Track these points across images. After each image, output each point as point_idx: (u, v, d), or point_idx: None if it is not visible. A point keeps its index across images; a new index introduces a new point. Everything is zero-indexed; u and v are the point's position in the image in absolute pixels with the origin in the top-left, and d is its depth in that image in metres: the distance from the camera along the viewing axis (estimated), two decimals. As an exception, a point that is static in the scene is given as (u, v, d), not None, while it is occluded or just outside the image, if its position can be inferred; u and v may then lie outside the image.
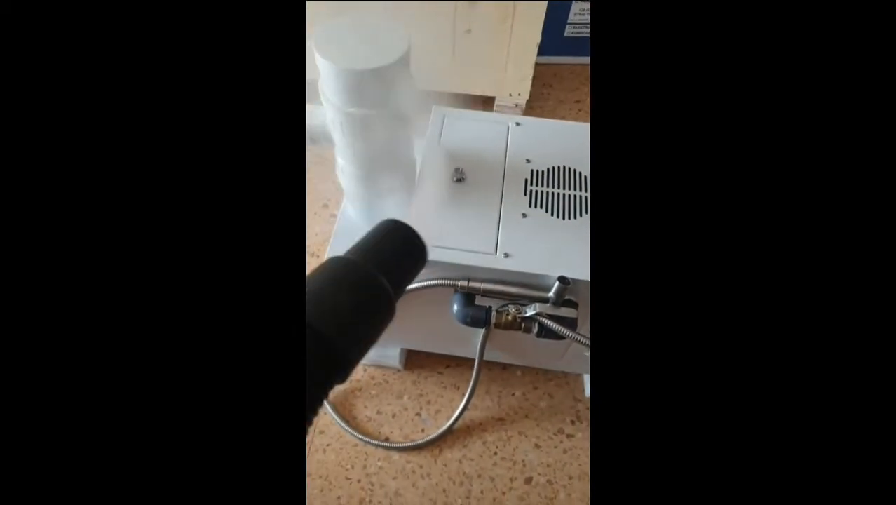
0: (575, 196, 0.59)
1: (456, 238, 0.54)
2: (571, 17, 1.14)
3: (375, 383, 0.78)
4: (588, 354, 0.68)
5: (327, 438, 0.73)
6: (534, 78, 1.01)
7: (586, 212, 0.58)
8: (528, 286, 0.54)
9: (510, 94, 1.04)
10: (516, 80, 1.02)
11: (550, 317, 0.53)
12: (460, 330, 0.60)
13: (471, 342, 0.68)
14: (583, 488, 0.70)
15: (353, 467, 0.71)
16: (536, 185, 0.60)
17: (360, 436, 0.73)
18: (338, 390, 0.77)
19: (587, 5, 1.10)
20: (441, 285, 0.55)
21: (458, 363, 0.80)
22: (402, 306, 0.32)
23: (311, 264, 0.30)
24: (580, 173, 0.61)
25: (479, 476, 0.71)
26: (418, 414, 0.76)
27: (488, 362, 0.77)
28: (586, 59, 1.20)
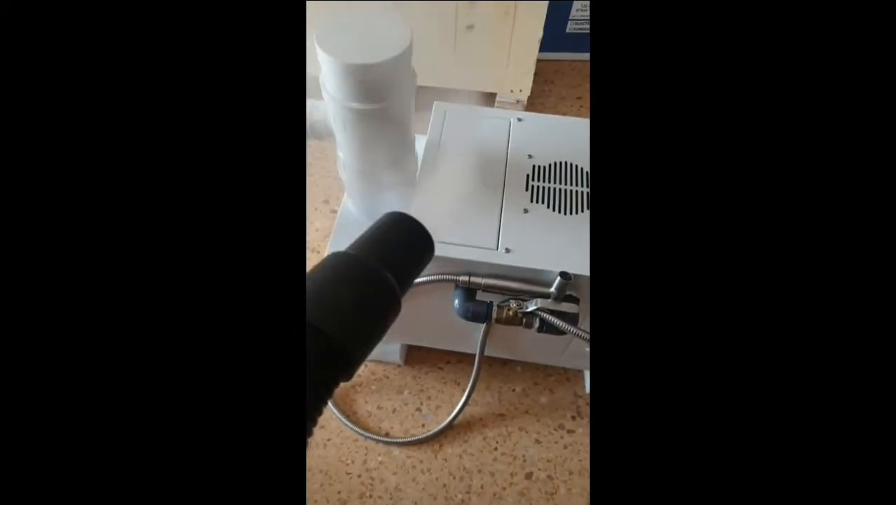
0: (576, 192, 0.59)
1: (457, 233, 0.54)
2: (573, 14, 1.13)
3: (376, 379, 0.78)
4: (589, 349, 0.68)
5: (328, 433, 0.73)
6: (535, 74, 1.01)
7: (587, 207, 0.58)
8: (529, 281, 0.54)
9: (511, 91, 1.04)
10: (518, 77, 1.01)
11: (551, 312, 0.53)
12: (461, 325, 0.60)
13: (472, 338, 0.68)
14: (583, 484, 0.71)
15: (353, 462, 0.71)
16: (538, 180, 0.60)
17: (361, 431, 0.73)
18: (339, 386, 0.77)
19: (589, 2, 1.10)
20: (442, 280, 0.55)
21: (458, 359, 0.80)
22: (402, 302, 0.32)
23: (312, 260, 0.30)
24: (582, 169, 0.61)
25: (480, 471, 0.71)
26: (419, 409, 0.76)
27: (489, 358, 0.77)
28: (588, 56, 1.19)
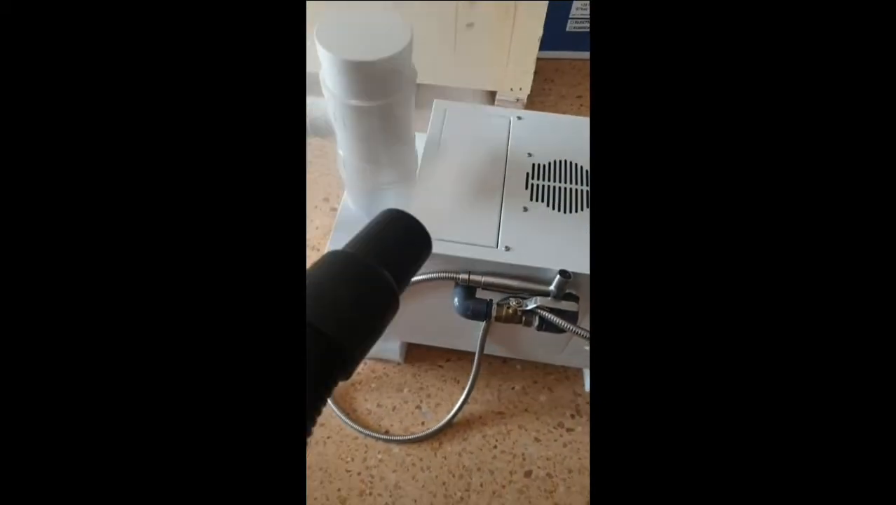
0: (576, 190, 0.59)
1: (457, 231, 0.54)
2: (573, 13, 1.13)
3: (376, 377, 0.78)
4: (588, 347, 0.68)
5: (327, 431, 0.73)
6: (535, 73, 1.01)
7: (587, 206, 0.58)
8: (528, 279, 0.54)
9: (511, 89, 1.04)
10: (518, 75, 1.01)
11: (551, 310, 0.53)
12: (461, 323, 0.60)
13: (471, 336, 0.68)
14: (582, 482, 0.71)
15: (353, 460, 0.71)
16: (538, 178, 0.60)
17: (361, 429, 0.73)
18: (338, 385, 0.77)
19: (589, 1, 1.10)
20: (442, 278, 0.55)
21: (458, 357, 0.80)
22: (402, 299, 0.32)
23: (312, 258, 0.30)
24: (581, 167, 0.61)
25: (479, 469, 0.71)
26: (418, 407, 0.76)
27: (488, 356, 0.77)
28: (588, 55, 1.19)
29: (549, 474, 0.71)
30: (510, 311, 0.55)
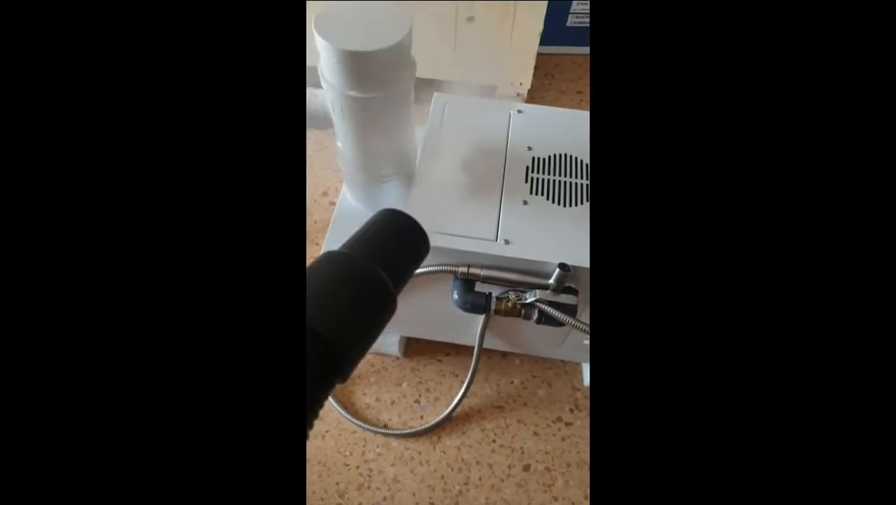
0: (576, 184, 0.59)
1: (456, 224, 0.54)
2: (574, 7, 1.13)
3: (375, 371, 0.78)
4: (587, 342, 0.68)
5: (326, 425, 0.73)
6: (536, 68, 1.01)
7: (587, 199, 0.58)
8: (528, 273, 0.54)
9: (512, 84, 1.04)
10: (518, 69, 1.01)
11: (550, 304, 0.53)
12: (460, 317, 0.60)
13: (470, 329, 0.68)
14: (580, 476, 0.71)
15: (351, 454, 0.71)
16: (537, 172, 0.60)
17: (359, 422, 0.73)
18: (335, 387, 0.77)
19: (590, -6, 1.09)
20: (441, 272, 0.55)
21: (457, 351, 0.80)
22: (401, 293, 0.32)
23: (310, 252, 0.30)
24: (581, 161, 0.61)
25: (478, 463, 0.71)
26: (417, 401, 0.76)
27: (487, 351, 0.77)
28: (588, 50, 1.19)
29: (547, 468, 0.71)
30: (509, 304, 0.55)
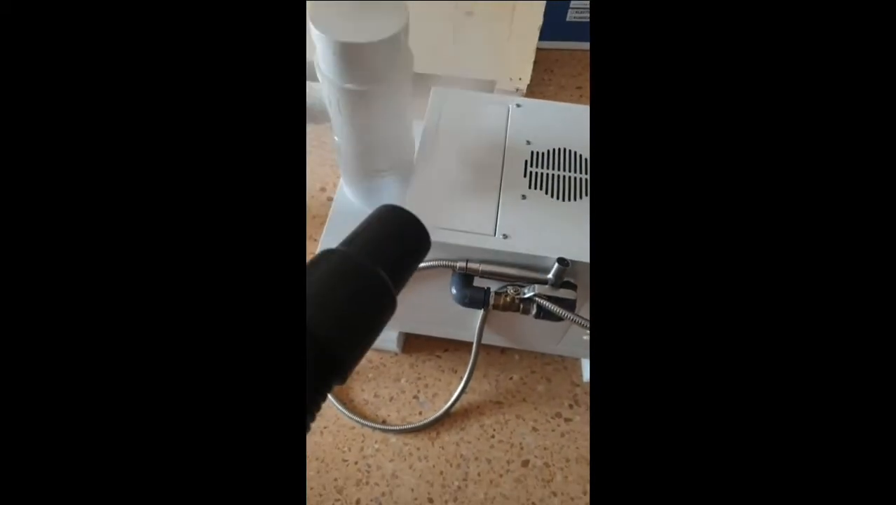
0: (575, 178, 0.59)
1: (455, 219, 0.54)
2: (574, 2, 1.12)
3: (373, 367, 0.78)
4: (586, 337, 0.68)
5: (324, 421, 0.73)
6: (535, 63, 1.00)
7: (586, 194, 0.57)
8: (526, 267, 0.54)
9: (511, 79, 1.03)
10: (517, 64, 1.00)
11: (549, 298, 0.53)
12: (458, 312, 0.59)
13: (469, 325, 0.68)
14: (580, 471, 0.71)
15: (349, 450, 0.71)
16: (536, 166, 0.59)
17: (358, 418, 0.73)
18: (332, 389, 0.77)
19: (590, -11, 1.09)
20: (439, 266, 0.55)
21: (456, 347, 0.79)
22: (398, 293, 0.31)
23: (307, 247, 0.30)
24: (580, 155, 0.60)
25: (477, 459, 0.71)
26: (416, 397, 0.76)
27: (486, 346, 0.77)
28: (588, 45, 1.18)
29: (546, 464, 0.71)
30: (508, 299, 0.55)
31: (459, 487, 0.69)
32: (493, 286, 0.56)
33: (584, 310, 0.58)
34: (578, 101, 1.14)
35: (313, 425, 0.72)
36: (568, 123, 0.63)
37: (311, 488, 0.69)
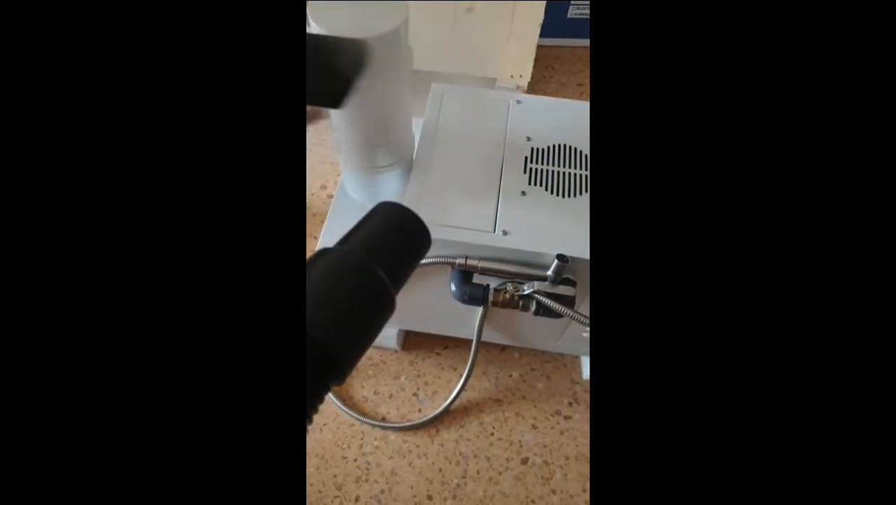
0: (575, 174, 0.58)
1: (454, 215, 0.54)
2: (574, -1, 1.12)
3: (373, 364, 0.78)
4: (586, 334, 0.67)
5: (324, 418, 0.73)
6: (535, 60, 1.00)
7: (586, 190, 0.57)
8: (526, 264, 0.53)
9: (511, 76, 1.03)
10: (518, 61, 1.00)
11: (548, 295, 0.52)
12: (458, 309, 0.59)
13: (469, 322, 0.67)
14: (579, 469, 0.71)
15: (349, 447, 0.71)
16: (536, 163, 0.59)
17: (357, 416, 0.73)
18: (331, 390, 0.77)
19: (591, -14, 1.08)
20: (439, 263, 0.55)
21: (455, 344, 0.79)
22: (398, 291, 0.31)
23: (307, 245, 0.29)
24: (580, 152, 0.60)
25: (476, 456, 0.71)
26: (415, 394, 0.76)
27: (486, 344, 0.77)
28: (589, 42, 1.18)
29: (545, 462, 0.71)
30: (507, 295, 0.55)
31: (459, 485, 0.69)
32: (493, 283, 0.56)
33: (584, 307, 0.58)
34: (579, 98, 1.13)
35: (313, 422, 0.72)
36: (568, 120, 0.63)
37: (311, 485, 0.69)
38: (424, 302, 0.65)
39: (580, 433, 0.73)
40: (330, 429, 0.73)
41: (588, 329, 0.63)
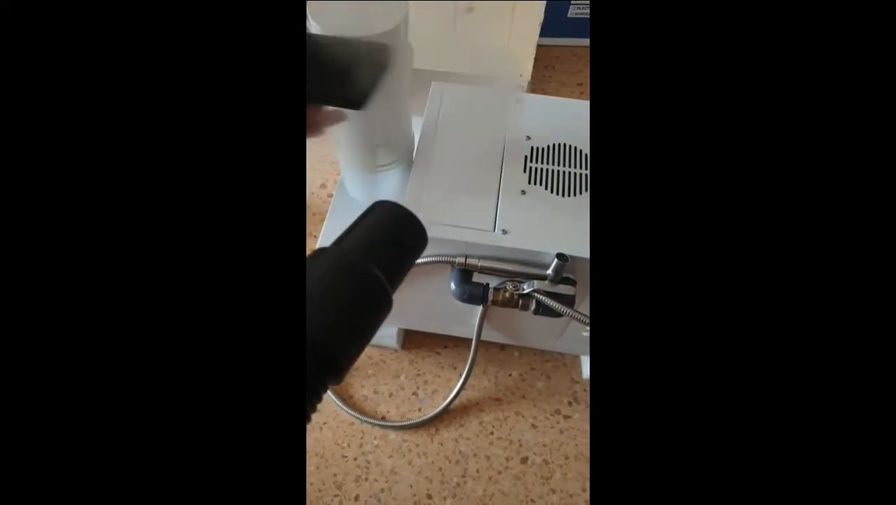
0: (575, 173, 0.58)
1: (454, 214, 0.54)
2: (575, -2, 1.12)
3: (373, 363, 0.78)
4: (586, 333, 0.68)
5: (324, 417, 0.73)
6: (536, 60, 1.00)
7: (586, 189, 0.57)
8: (526, 263, 0.53)
9: (511, 76, 1.03)
10: (518, 61, 1.00)
11: (548, 294, 0.52)
12: (458, 308, 0.59)
13: (468, 321, 0.67)
14: (579, 468, 0.71)
15: (349, 446, 0.71)
16: (536, 162, 0.59)
17: (357, 414, 0.73)
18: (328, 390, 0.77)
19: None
20: (438, 262, 0.55)
21: (455, 343, 0.79)
22: (397, 288, 0.31)
23: (307, 244, 0.29)
24: (580, 151, 0.60)
25: (476, 455, 0.71)
26: (415, 393, 0.76)
27: (486, 343, 0.77)
28: (589, 42, 1.18)
29: (545, 461, 0.71)
30: (507, 294, 0.55)
31: (458, 484, 0.69)
32: (493, 282, 0.56)
33: (584, 306, 0.58)
34: (580, 97, 1.13)
35: (313, 420, 0.72)
36: (568, 119, 0.63)
37: (311, 484, 0.69)
38: (424, 301, 0.65)
39: (580, 432, 0.73)
40: (330, 428, 0.73)
41: (588, 328, 0.63)
